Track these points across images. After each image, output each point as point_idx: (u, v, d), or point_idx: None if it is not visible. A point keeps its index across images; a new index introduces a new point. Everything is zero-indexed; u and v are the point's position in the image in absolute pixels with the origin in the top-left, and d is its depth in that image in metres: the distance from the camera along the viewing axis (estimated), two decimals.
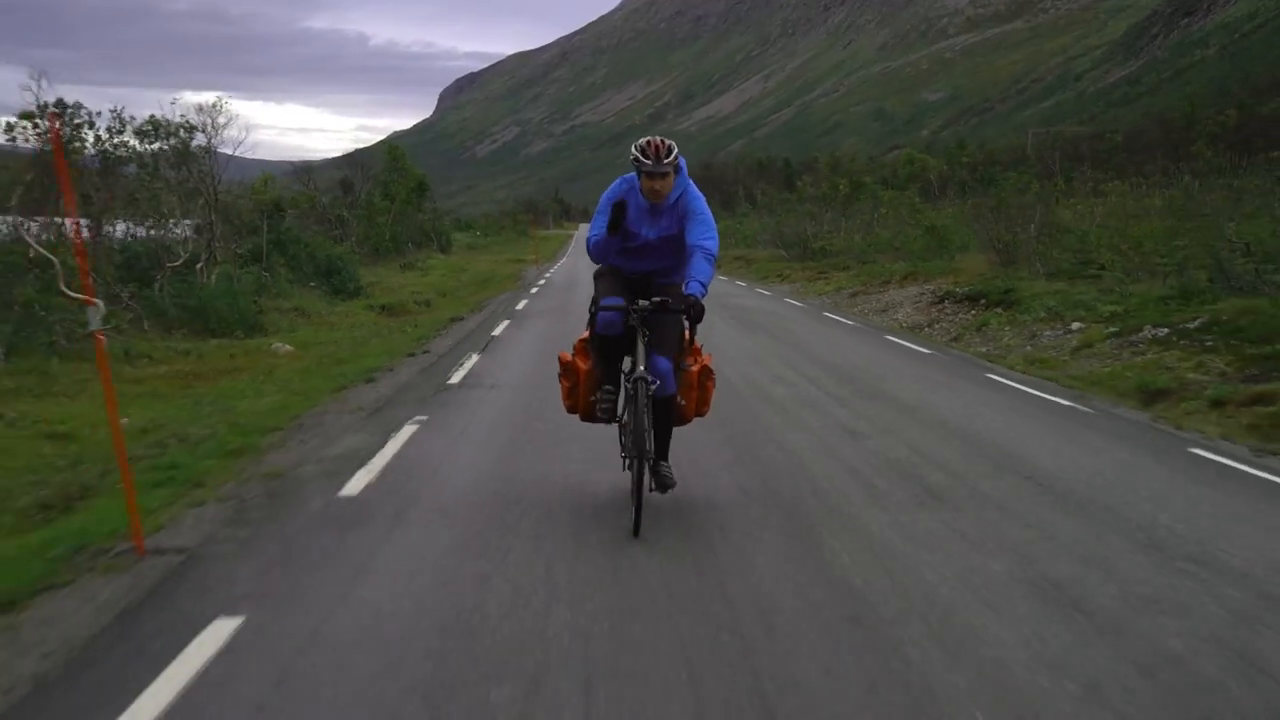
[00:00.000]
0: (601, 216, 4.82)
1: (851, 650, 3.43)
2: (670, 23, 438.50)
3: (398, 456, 6.26)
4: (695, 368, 4.97)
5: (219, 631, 3.55)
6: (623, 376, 4.84)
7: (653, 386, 4.55)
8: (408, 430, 7.07)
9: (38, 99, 11.63)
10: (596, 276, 5.01)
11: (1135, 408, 8.54)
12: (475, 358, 11.06)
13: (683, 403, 4.92)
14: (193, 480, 5.55)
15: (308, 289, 17.31)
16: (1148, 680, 3.27)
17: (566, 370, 5.10)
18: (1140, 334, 11.26)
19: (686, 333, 4.84)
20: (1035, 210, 18.32)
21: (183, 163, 13.11)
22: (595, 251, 4.94)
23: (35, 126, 11.53)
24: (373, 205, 31.98)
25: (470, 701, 3.02)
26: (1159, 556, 4.58)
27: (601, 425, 5.18)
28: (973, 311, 15.54)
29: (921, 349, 12.85)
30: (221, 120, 14.85)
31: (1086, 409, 8.51)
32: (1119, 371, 9.95)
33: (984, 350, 12.72)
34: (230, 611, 3.73)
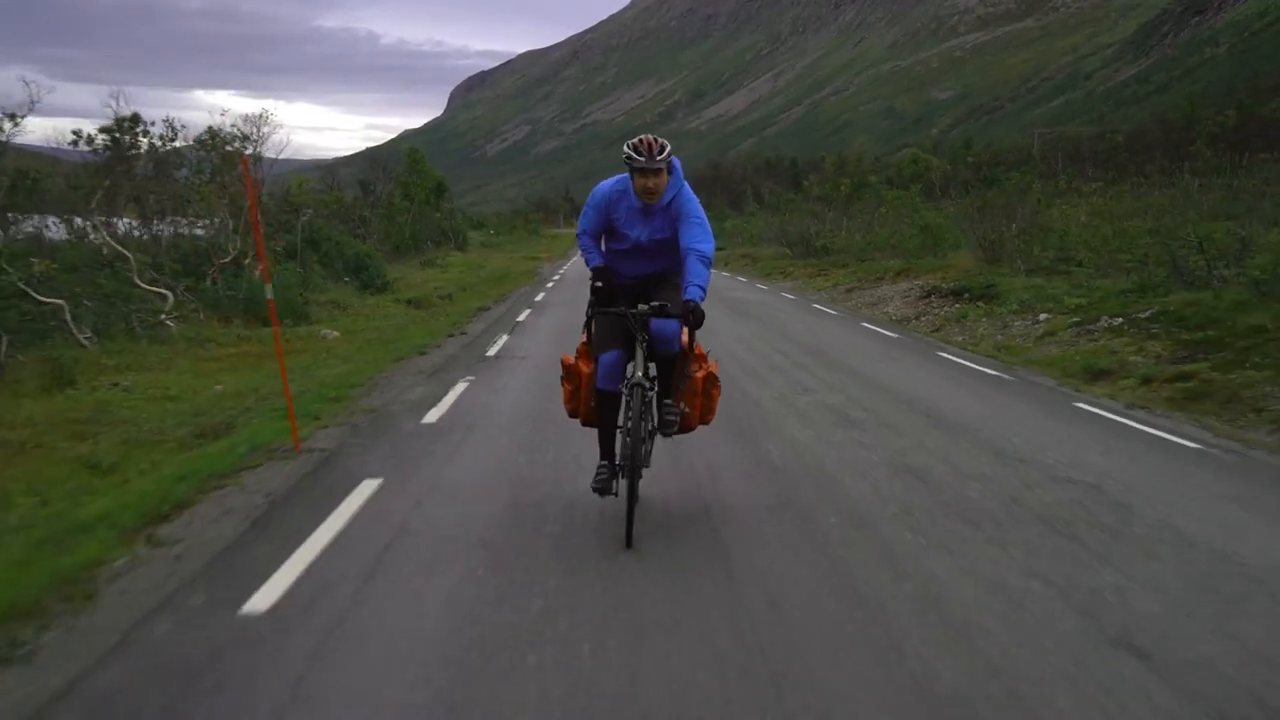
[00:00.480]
0: (591, 213, 4.84)
1: (761, 481, 5.84)
2: (681, 21, 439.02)
3: (458, 400, 8.47)
4: (700, 374, 4.91)
5: (368, 486, 5.57)
6: (621, 386, 4.65)
7: (650, 393, 4.60)
8: (461, 385, 9.23)
9: (115, 113, 13.04)
10: (592, 303, 4.72)
11: (1080, 387, 9.84)
12: (506, 337, 13.19)
13: (686, 410, 4.87)
14: (311, 415, 7.42)
15: (340, 284, 18.72)
16: (945, 508, 5.25)
17: (569, 373, 4.99)
18: (1098, 323, 12.53)
19: (685, 338, 4.75)
20: (1017, 210, 19.56)
21: (230, 168, 14.53)
22: (582, 248, 5.01)
23: (114, 137, 12.95)
24: (393, 205, 33.43)
25: (532, 507, 5.19)
26: (994, 456, 6.48)
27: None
28: (956, 305, 16.82)
29: (889, 333, 14.33)
30: (266, 130, 16.30)
31: (1010, 378, 10.11)
32: (1071, 355, 11.25)
33: (960, 339, 14.03)
34: (373, 475, 5.79)
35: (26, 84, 11.54)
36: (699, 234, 4.54)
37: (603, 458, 4.75)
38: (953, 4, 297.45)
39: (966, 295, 17.07)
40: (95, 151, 13.51)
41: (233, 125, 15.88)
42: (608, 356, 4.59)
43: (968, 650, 3.39)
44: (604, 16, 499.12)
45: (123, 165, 13.57)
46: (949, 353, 12.27)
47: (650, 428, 4.76)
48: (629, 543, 4.43)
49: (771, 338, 13.30)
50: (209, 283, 14.70)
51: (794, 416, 7.80)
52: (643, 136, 4.61)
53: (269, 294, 7.40)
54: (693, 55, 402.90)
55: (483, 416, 7.70)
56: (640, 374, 4.52)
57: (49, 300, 10.04)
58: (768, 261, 33.07)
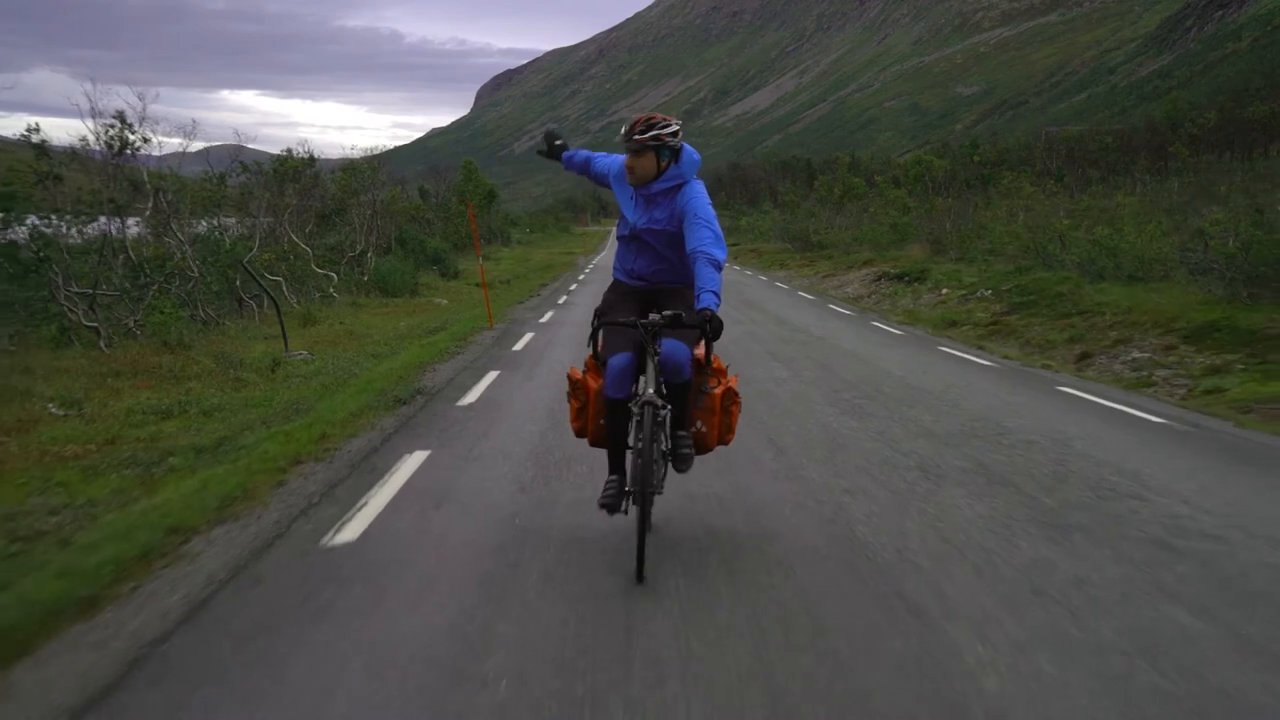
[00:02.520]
0: (607, 158, 4.62)
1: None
2: (706, 19, 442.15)
3: (554, 314, 16.63)
4: (718, 390, 4.48)
5: (528, 334, 11.11)
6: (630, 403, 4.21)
7: (663, 411, 4.12)
8: (550, 311, 17.41)
9: (294, 151, 18.87)
10: (601, 311, 4.41)
11: (934, 332, 15.20)
12: (564, 297, 20.09)
13: (704, 429, 4.44)
14: (449, 346, 12.61)
15: (428, 271, 24.44)
16: (837, 393, 10.13)
17: (576, 389, 4.55)
18: (975, 294, 17.85)
19: (701, 350, 4.36)
20: (951, 212, 24.87)
21: (364, 191, 20.24)
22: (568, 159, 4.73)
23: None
24: (449, 208, 39.32)
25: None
26: (877, 371, 11.35)
27: None
28: (896, 286, 22.16)
29: (838, 308, 19.65)
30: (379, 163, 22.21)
31: (899, 331, 15.33)
32: (943, 314, 16.63)
33: (886, 308, 19.41)
34: (530, 331, 13.42)
35: (140, 98, 14.71)
36: (708, 237, 4.11)
37: (611, 472, 4.39)
38: (977, 0, 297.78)
39: (905, 278, 22.39)
40: (266, 176, 19.34)
41: (362, 157, 21.79)
42: (617, 360, 4.21)
43: (849, 471, 8.82)
44: (629, 14, 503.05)
45: (294, 185, 19.30)
46: (872, 318, 17.57)
47: (664, 449, 4.25)
48: (640, 577, 3.95)
49: (749, 312, 18.65)
50: (342, 269, 20.44)
51: (753, 352, 13.08)
52: (643, 114, 4.24)
53: (480, 264, 13.00)
54: (718, 52, 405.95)
55: (564, 319, 14.59)
56: (652, 390, 4.09)
57: (273, 278, 15.71)
58: (771, 255, 38.43)
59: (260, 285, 13.17)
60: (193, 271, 12.68)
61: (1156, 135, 69.79)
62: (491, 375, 9.66)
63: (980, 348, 13.14)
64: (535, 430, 6.95)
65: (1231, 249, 12.41)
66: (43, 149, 12.39)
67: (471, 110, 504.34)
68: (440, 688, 2.97)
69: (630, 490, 4.04)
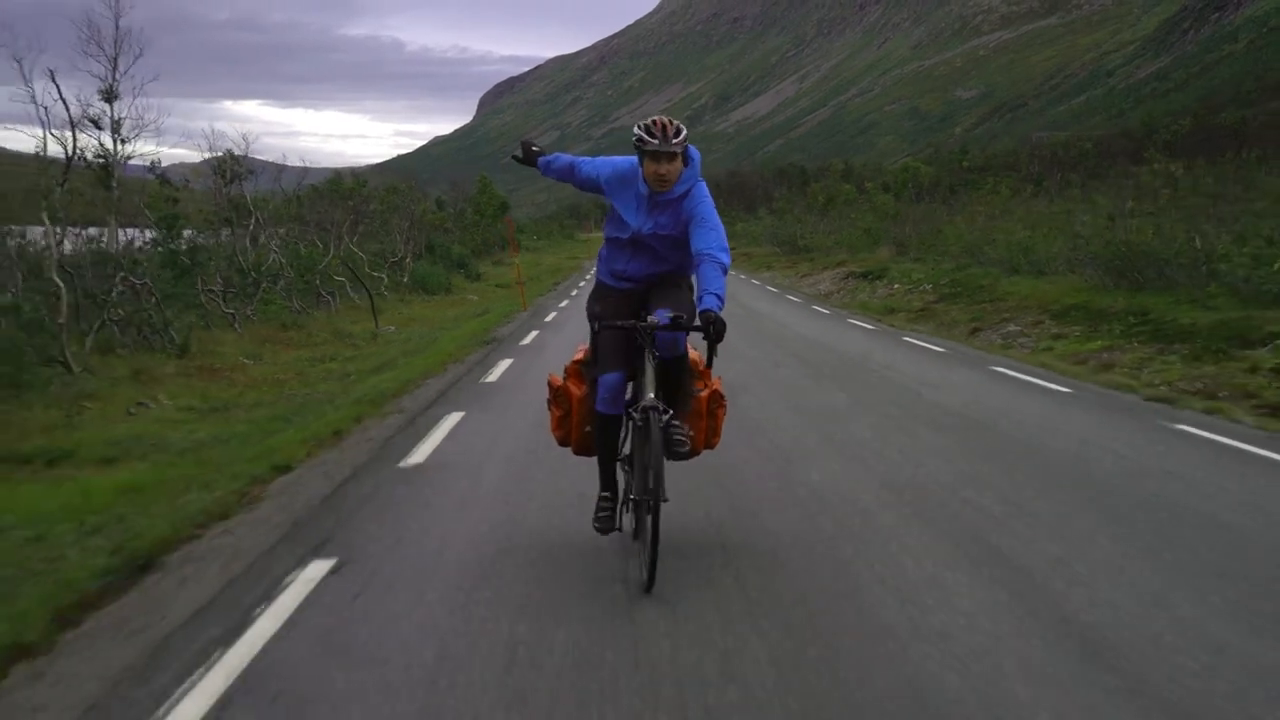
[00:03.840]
0: (602, 165, 4.31)
1: None
2: (707, 25, 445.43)
3: (565, 306, 20.00)
4: (704, 393, 4.35)
5: (551, 312, 14.75)
6: (627, 410, 4.10)
7: (665, 417, 3.89)
8: (564, 302, 19.96)
9: (343, 176, 22.44)
10: (592, 316, 4.21)
11: (876, 319, 18.72)
12: (575, 291, 23.17)
13: (690, 433, 4.22)
14: (498, 320, 16.28)
15: (455, 274, 28.12)
16: (796, 363, 13.78)
17: (557, 396, 4.37)
18: (919, 288, 21.39)
19: (693, 354, 4.28)
20: (913, 217, 28.42)
21: (406, 205, 23.86)
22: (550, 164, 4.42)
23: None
24: (465, 218, 43.09)
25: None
26: (824, 348, 15.02)
27: None
28: (860, 282, 25.71)
29: (810, 304, 23.21)
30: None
31: (827, 311, 18.98)
32: (886, 303, 20.19)
33: (845, 300, 22.96)
34: (552, 310, 14.77)
35: (245, 139, 19.75)
36: (715, 240, 4.00)
37: (603, 489, 4.22)
38: (976, 3, 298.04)
39: (868, 276, 25.94)
40: (322, 194, 23.01)
41: (396, 184, 25.49)
42: (609, 378, 4.07)
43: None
44: (631, 21, 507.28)
45: (349, 202, 22.96)
46: (815, 304, 21.16)
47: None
48: (649, 587, 3.76)
49: (728, 312, 22.40)
50: (387, 272, 24.09)
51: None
52: (656, 117, 3.99)
53: (517, 261, 16.54)
54: (719, 58, 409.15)
55: (578, 305, 17.39)
56: (652, 395, 3.90)
57: (338, 279, 19.33)
58: (760, 258, 42.06)
59: (361, 282, 16.96)
60: (287, 272, 16.32)
61: (1134, 141, 73.16)
62: (534, 333, 14.09)
63: (901, 327, 16.72)
64: (568, 355, 10.77)
65: (1093, 248, 15.97)
66: (165, 179, 16.03)
67: (474, 118, 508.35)
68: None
69: (637, 499, 3.95)
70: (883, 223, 34.51)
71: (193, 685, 3.02)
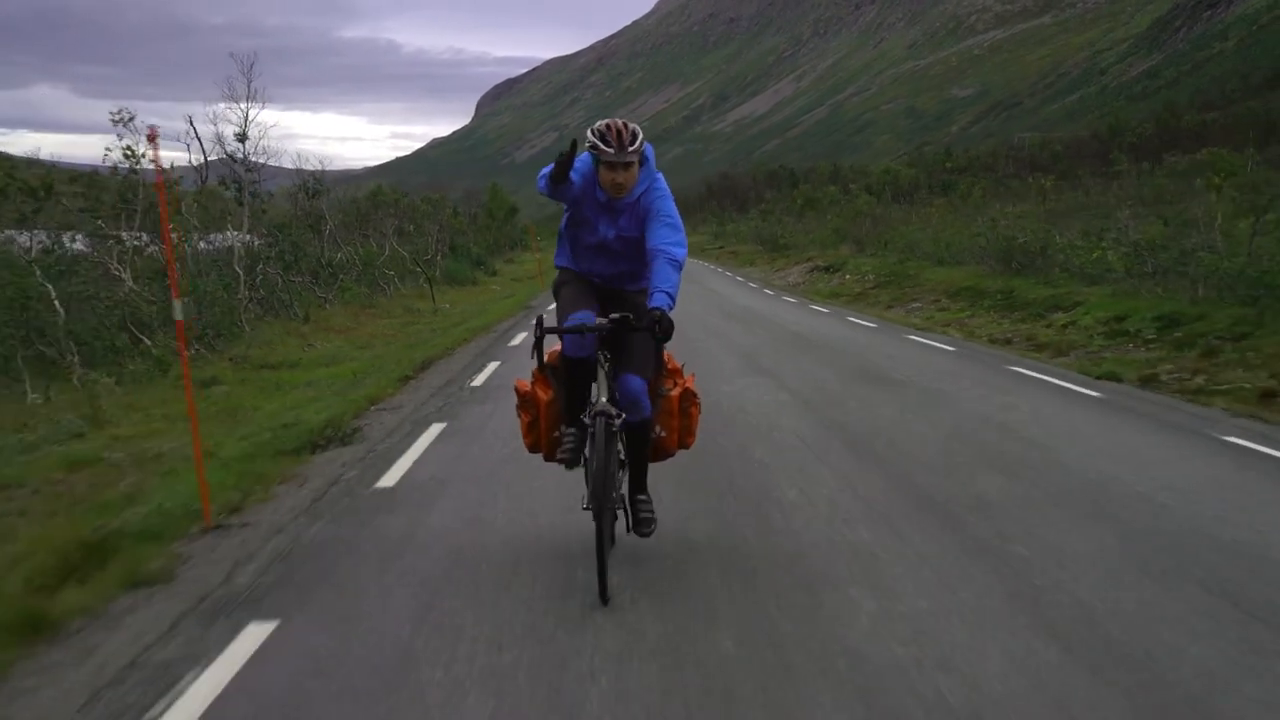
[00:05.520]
0: (574, 177, 3.98)
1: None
2: (704, 25, 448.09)
3: None
4: (675, 391, 4.29)
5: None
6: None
7: (617, 421, 3.89)
8: None
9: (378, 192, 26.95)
10: (558, 286, 4.32)
11: (811, 299, 23.20)
12: None
13: (663, 433, 4.23)
14: (527, 298, 20.85)
15: (476, 270, 32.69)
16: (749, 331, 18.41)
17: (525, 402, 4.33)
18: (865, 278, 25.90)
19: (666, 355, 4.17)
20: (870, 217, 32.96)
21: (435, 213, 28.38)
22: (543, 187, 4.04)
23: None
24: (479, 221, 47.70)
25: None
26: (775, 325, 19.62)
27: None
28: (821, 274, 30.21)
29: (778, 294, 27.75)
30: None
31: (770, 292, 23.53)
32: (834, 290, 24.73)
33: (806, 289, 27.46)
34: None
35: (317, 179, 24.46)
36: (670, 235, 3.98)
37: (569, 425, 4.16)
38: (971, 2, 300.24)
39: (829, 269, 30.45)
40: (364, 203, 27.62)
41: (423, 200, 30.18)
42: (579, 315, 4.03)
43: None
44: (627, 22, 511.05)
45: (392, 209, 27.49)
46: (797, 297, 25.65)
47: (618, 460, 4.02)
48: (604, 598, 3.76)
49: (703, 295, 26.78)
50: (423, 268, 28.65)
51: (700, 320, 21.23)
52: (610, 121, 3.94)
53: (538, 256, 20.96)
54: (716, 59, 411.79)
55: None
56: (605, 399, 3.89)
57: (388, 271, 23.82)
58: (745, 255, 46.60)
59: (420, 270, 21.61)
60: (357, 266, 20.85)
61: (1102, 144, 77.57)
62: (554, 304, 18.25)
63: (859, 310, 21.23)
64: None
65: (983, 243, 20.51)
66: (253, 194, 20.49)
67: (472, 120, 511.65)
68: None
69: (586, 507, 3.86)
70: (847, 223, 39.06)
71: (418, 438, 7.29)
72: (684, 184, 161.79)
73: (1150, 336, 11.87)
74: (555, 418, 4.26)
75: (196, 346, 11.16)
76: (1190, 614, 3.66)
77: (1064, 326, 13.82)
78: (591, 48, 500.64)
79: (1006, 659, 3.26)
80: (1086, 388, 9.33)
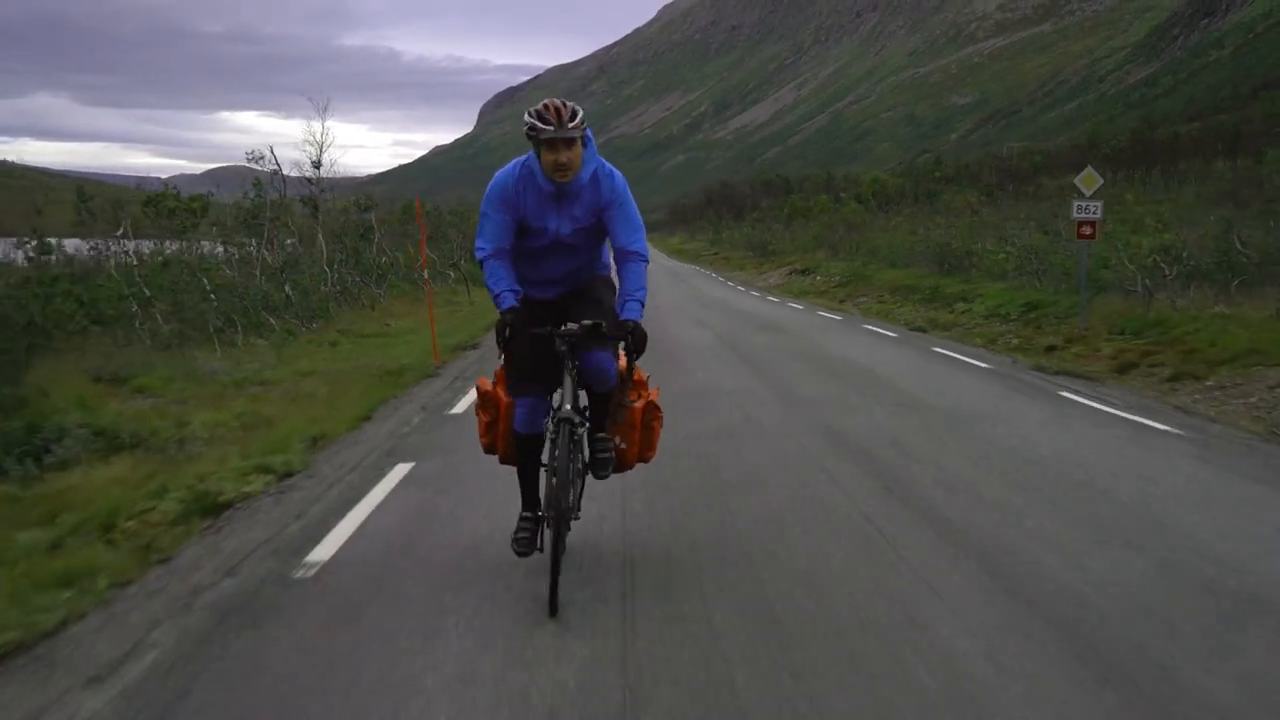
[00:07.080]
0: (495, 216, 3.88)
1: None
2: (705, 34, 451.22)
3: None
4: (639, 404, 4.22)
5: None
6: (549, 418, 3.95)
7: (580, 430, 3.91)
8: None
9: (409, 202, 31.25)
10: (505, 335, 3.81)
11: (784, 297, 27.31)
12: None
13: (623, 445, 4.19)
14: None
15: None
16: (725, 316, 22.65)
17: (485, 402, 4.25)
18: (834, 280, 30.02)
19: (624, 363, 3.95)
20: (844, 224, 37.16)
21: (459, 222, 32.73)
22: (488, 276, 3.95)
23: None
24: None
25: None
26: (749, 317, 23.89)
27: None
28: (798, 276, 34.34)
29: (761, 295, 31.89)
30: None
31: (782, 301, 27.61)
32: (803, 289, 28.92)
33: (783, 289, 31.60)
34: None
35: (366, 208, 27.30)
36: (638, 233, 3.88)
37: (525, 509, 4.08)
38: (971, 10, 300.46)
39: (805, 271, 34.57)
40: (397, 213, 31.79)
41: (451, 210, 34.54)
42: (526, 401, 3.95)
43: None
44: (629, 30, 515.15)
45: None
46: (771, 295, 29.84)
47: (580, 467, 4.01)
48: (553, 610, 3.69)
49: (688, 293, 30.98)
50: (453, 269, 32.85)
51: (680, 312, 25.30)
52: (547, 101, 3.72)
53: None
54: (717, 67, 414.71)
55: None
56: (569, 406, 3.79)
57: (422, 274, 27.98)
58: (736, 260, 50.80)
59: (461, 274, 25.76)
60: (401, 268, 25.06)
61: (1081, 154, 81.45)
62: None
63: (824, 305, 25.33)
64: None
65: (922, 248, 24.69)
66: (316, 205, 24.72)
67: (475, 128, 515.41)
68: None
69: (544, 515, 3.84)
70: (825, 231, 43.23)
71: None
72: (685, 192, 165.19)
73: (1013, 317, 16.01)
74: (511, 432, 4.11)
75: (313, 323, 15.41)
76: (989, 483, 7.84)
77: (962, 313, 17.95)
78: (592, 56, 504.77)
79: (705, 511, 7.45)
80: (937, 347, 13.53)
